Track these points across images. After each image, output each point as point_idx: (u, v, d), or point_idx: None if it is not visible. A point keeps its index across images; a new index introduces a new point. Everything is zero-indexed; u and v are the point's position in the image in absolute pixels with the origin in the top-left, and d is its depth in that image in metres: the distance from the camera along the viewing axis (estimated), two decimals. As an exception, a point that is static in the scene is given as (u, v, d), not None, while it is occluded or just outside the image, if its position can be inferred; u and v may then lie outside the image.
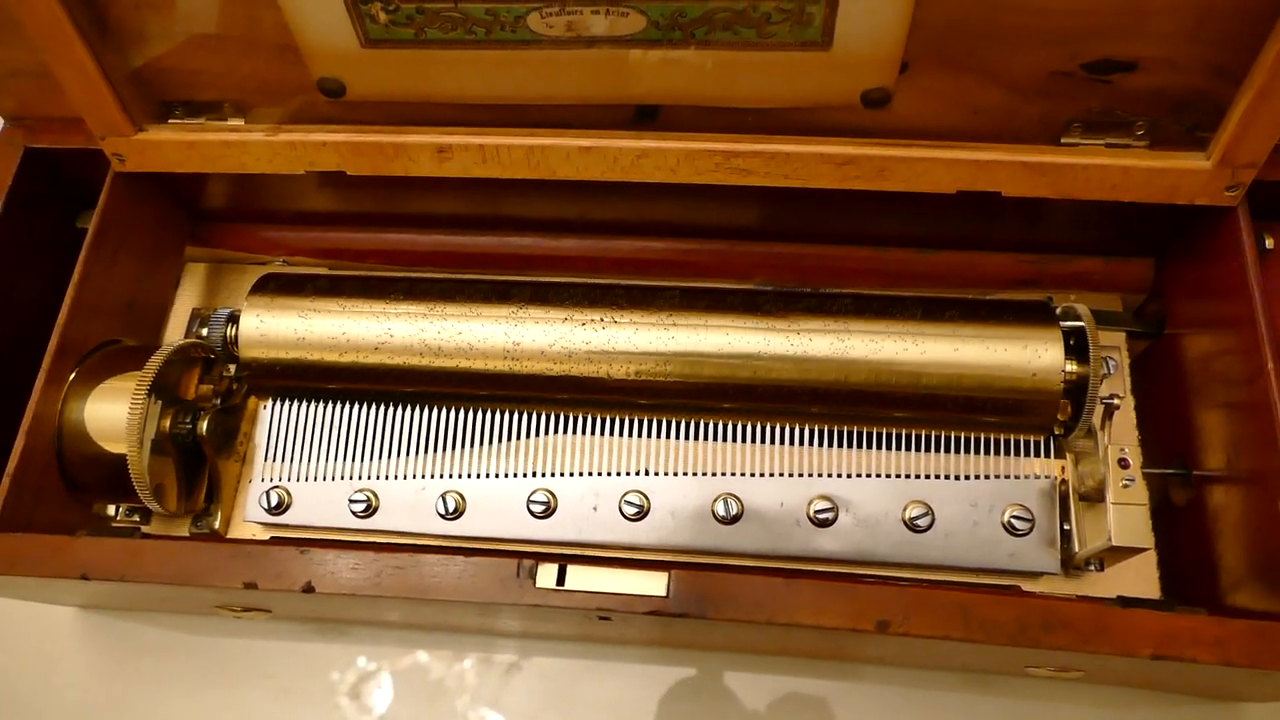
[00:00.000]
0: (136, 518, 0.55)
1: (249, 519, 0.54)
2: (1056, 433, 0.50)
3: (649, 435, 0.53)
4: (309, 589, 0.44)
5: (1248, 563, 0.45)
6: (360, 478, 0.54)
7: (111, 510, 0.55)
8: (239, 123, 0.52)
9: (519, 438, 0.54)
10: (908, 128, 0.48)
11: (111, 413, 0.51)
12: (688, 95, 0.48)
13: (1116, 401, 0.48)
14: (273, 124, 0.52)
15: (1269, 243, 0.50)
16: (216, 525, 0.55)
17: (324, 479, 0.54)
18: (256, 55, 0.49)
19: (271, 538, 0.55)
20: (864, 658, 0.57)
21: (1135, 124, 0.47)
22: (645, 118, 0.49)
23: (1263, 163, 0.45)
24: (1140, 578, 0.51)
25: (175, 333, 0.61)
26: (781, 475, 0.52)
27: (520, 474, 0.53)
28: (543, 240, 0.60)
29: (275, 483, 0.54)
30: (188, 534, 0.55)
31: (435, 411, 0.55)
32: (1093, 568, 0.50)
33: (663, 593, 0.43)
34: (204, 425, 0.53)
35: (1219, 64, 0.43)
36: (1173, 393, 0.52)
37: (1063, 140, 0.48)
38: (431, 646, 0.60)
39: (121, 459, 0.50)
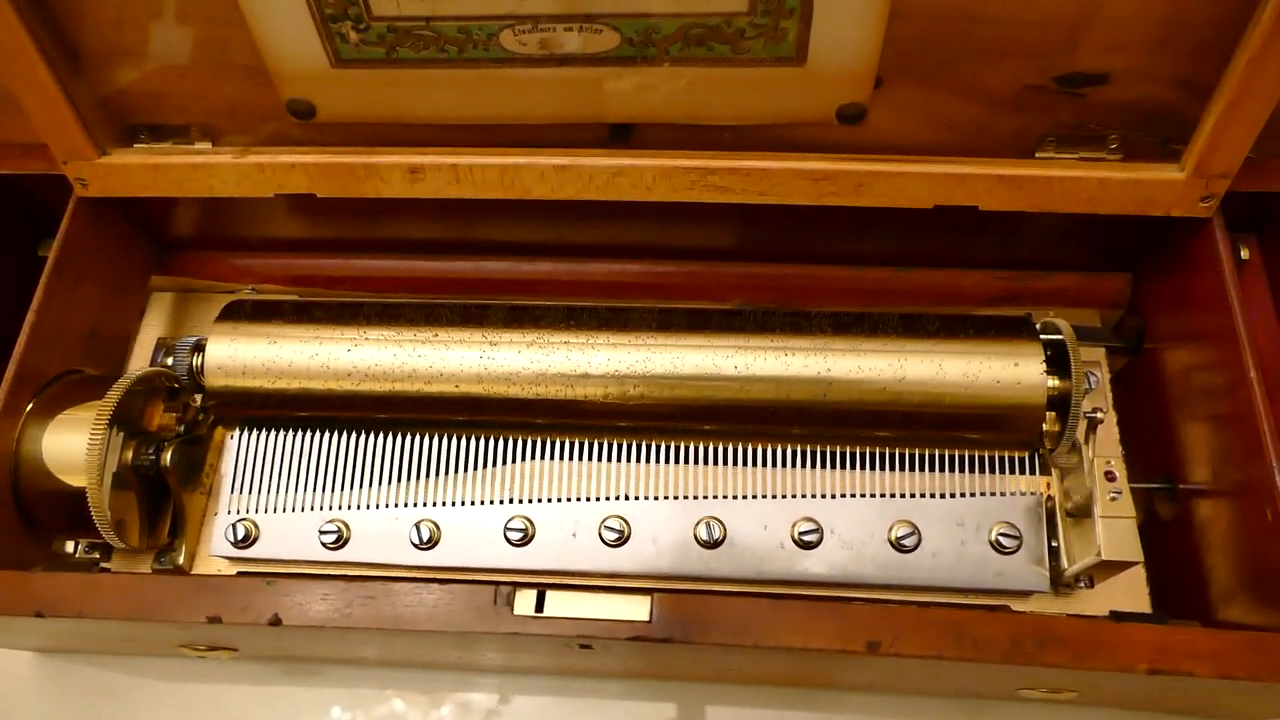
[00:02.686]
0: (97, 554, 0.53)
1: (215, 553, 0.52)
2: (1042, 448, 0.50)
3: (628, 459, 0.52)
4: (276, 621, 0.43)
5: (1239, 575, 0.45)
6: (330, 508, 0.52)
7: (70, 547, 0.53)
8: (206, 146, 0.51)
9: (495, 464, 0.52)
10: (883, 143, 0.48)
11: (70, 444, 0.49)
12: (662, 113, 0.48)
13: (1100, 415, 0.48)
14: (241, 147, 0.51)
15: (1245, 253, 0.50)
16: (181, 561, 0.53)
17: (293, 510, 0.52)
18: (225, 77, 0.48)
19: (238, 573, 0.53)
20: (851, 685, 0.56)
21: (1108, 137, 0.47)
22: (620, 136, 0.49)
23: (1235, 173, 0.45)
24: (1130, 595, 0.50)
25: (140, 363, 0.59)
26: (764, 497, 0.51)
27: (496, 501, 0.52)
28: (517, 264, 0.59)
29: (242, 515, 0.52)
30: (150, 570, 0.53)
31: (408, 438, 0.53)
32: (1082, 585, 0.49)
33: (645, 617, 0.42)
34: (168, 457, 0.51)
35: (1189, 76, 0.44)
36: (1155, 407, 0.52)
37: (1037, 154, 0.48)
38: (406, 688, 0.57)
39: (81, 493, 0.47)
